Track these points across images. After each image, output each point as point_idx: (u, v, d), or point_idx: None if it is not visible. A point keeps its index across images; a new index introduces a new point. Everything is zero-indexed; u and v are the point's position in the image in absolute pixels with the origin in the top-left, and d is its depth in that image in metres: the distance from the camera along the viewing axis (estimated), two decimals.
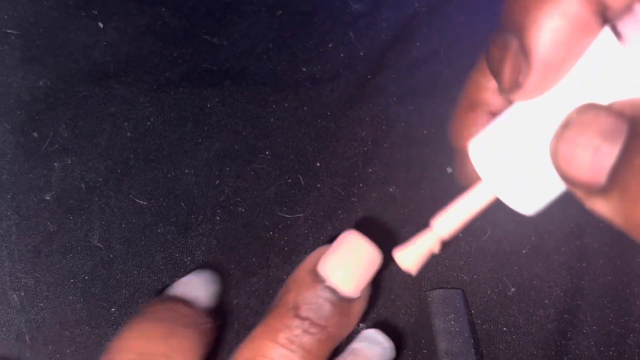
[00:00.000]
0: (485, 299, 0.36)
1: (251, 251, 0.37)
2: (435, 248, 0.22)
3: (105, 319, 0.35)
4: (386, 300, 0.36)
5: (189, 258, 0.37)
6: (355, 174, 0.40)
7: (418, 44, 0.45)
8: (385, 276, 0.36)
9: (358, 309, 0.27)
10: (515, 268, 0.37)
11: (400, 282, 0.37)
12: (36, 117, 0.40)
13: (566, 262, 0.37)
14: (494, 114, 0.19)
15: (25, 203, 0.37)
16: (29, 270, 0.36)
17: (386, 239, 0.38)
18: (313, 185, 0.39)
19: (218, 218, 0.38)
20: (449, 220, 0.20)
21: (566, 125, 0.15)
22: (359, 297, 0.27)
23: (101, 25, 0.43)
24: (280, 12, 0.45)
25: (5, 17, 0.43)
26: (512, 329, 0.36)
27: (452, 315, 0.34)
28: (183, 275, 0.36)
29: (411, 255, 0.22)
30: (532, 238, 0.38)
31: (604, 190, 0.14)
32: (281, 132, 0.41)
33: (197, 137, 0.40)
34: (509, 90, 0.17)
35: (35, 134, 0.39)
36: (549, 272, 0.37)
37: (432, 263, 0.37)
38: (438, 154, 0.40)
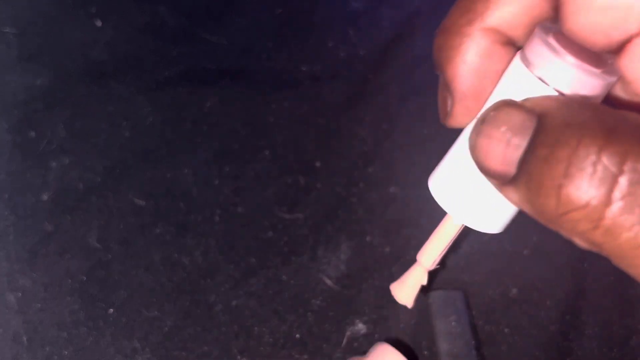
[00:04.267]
0: (487, 300, 0.36)
1: (250, 252, 0.37)
2: (424, 280, 0.24)
3: (103, 319, 0.34)
4: (387, 301, 0.36)
5: (188, 258, 0.36)
6: (355, 173, 0.39)
7: (418, 44, 0.44)
8: (386, 277, 0.36)
9: None
10: (517, 269, 0.37)
11: None
12: (33, 116, 0.39)
13: (568, 263, 0.37)
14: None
15: (22, 203, 0.37)
16: (26, 271, 0.35)
17: (386, 238, 0.37)
18: (313, 185, 0.39)
19: (217, 218, 0.38)
20: (432, 254, 0.23)
21: (483, 121, 0.17)
22: None
23: (99, 23, 0.43)
24: (280, 10, 0.45)
25: (3, 15, 0.43)
26: (514, 331, 0.36)
27: (454, 317, 0.34)
28: (182, 276, 0.36)
29: (406, 291, 0.24)
30: (534, 239, 0.38)
31: (513, 180, 0.15)
32: (281, 131, 0.40)
33: (195, 137, 0.40)
34: (444, 119, 0.19)
35: (33, 133, 0.39)
36: (551, 273, 0.37)
37: None
38: (439, 153, 0.40)
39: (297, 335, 0.34)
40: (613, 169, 0.13)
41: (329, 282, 0.36)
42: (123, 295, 0.35)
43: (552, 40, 0.16)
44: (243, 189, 0.38)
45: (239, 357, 0.34)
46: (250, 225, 0.37)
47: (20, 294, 0.35)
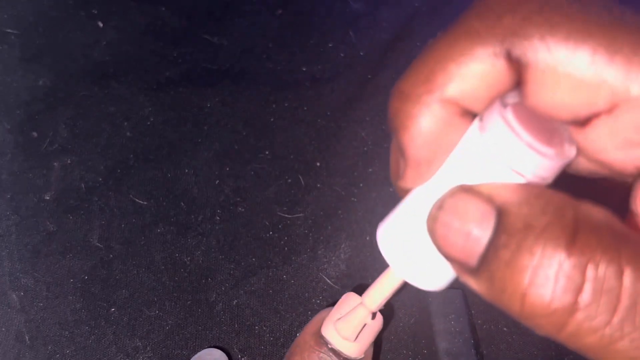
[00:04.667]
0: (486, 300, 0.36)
1: (251, 251, 0.37)
2: (368, 319, 0.25)
3: (105, 318, 0.35)
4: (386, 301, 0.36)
5: (189, 258, 0.36)
6: (355, 173, 0.39)
7: (418, 44, 0.45)
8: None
9: None
10: None
11: None
12: (35, 116, 0.40)
13: None
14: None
15: (24, 203, 0.37)
16: (29, 270, 0.35)
17: None
18: (313, 185, 0.39)
19: (218, 218, 0.38)
20: (376, 299, 0.24)
21: (439, 208, 0.17)
22: (362, 357, 0.27)
23: (101, 24, 0.43)
24: (280, 11, 0.45)
25: (5, 16, 0.43)
26: (512, 329, 0.36)
27: (453, 316, 0.34)
28: (183, 275, 0.36)
29: (349, 327, 0.26)
30: None
31: (475, 273, 0.15)
32: (281, 132, 0.41)
33: (196, 137, 0.40)
34: (395, 180, 0.19)
35: (35, 134, 0.39)
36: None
37: None
38: None
39: (298, 334, 0.34)
40: (576, 277, 0.13)
41: (329, 281, 0.36)
42: (124, 295, 0.35)
43: (510, 116, 0.16)
44: (243, 189, 0.39)
45: (239, 355, 0.34)
46: (250, 225, 0.38)
47: (22, 293, 0.35)
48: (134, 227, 0.37)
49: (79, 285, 0.35)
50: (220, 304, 0.35)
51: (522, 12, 0.15)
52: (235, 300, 0.35)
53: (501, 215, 0.15)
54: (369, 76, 0.43)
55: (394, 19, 0.45)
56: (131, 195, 0.38)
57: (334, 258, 0.37)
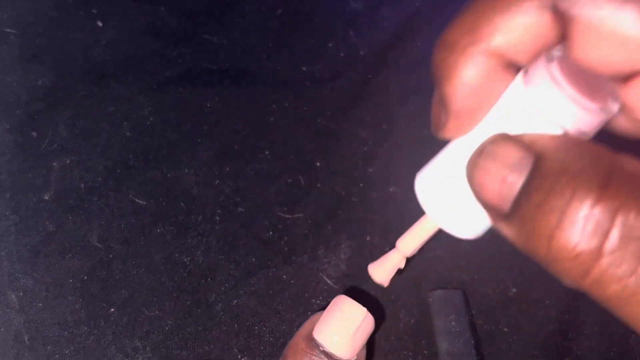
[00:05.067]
0: (486, 300, 0.36)
1: (251, 251, 0.37)
2: (402, 264, 0.25)
3: (104, 319, 0.35)
4: (386, 301, 0.36)
5: (189, 258, 0.36)
6: (355, 173, 0.39)
7: (418, 44, 0.44)
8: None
9: None
10: (516, 269, 0.37)
11: (400, 282, 0.36)
12: (35, 116, 0.40)
13: None
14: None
15: (24, 203, 0.37)
16: (28, 271, 0.35)
17: (386, 238, 0.38)
18: (313, 185, 0.39)
19: (218, 218, 0.38)
20: (411, 243, 0.23)
21: (479, 154, 0.17)
22: (355, 359, 0.27)
23: (100, 24, 0.43)
24: (280, 11, 0.45)
25: (5, 16, 0.43)
26: (513, 330, 0.36)
27: (453, 316, 0.34)
28: (183, 275, 0.36)
29: (383, 271, 0.25)
30: None
31: (507, 217, 0.16)
32: (281, 131, 0.40)
33: (196, 137, 0.40)
34: (436, 130, 0.19)
35: (34, 134, 0.39)
36: (550, 273, 0.37)
37: (433, 263, 0.37)
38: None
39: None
40: (605, 223, 0.13)
41: (329, 281, 0.36)
42: (124, 295, 0.35)
43: (555, 70, 0.16)
44: (243, 189, 0.39)
45: (239, 356, 0.34)
46: (250, 225, 0.38)
47: (21, 294, 0.35)
48: (134, 227, 0.37)
49: (79, 285, 0.35)
50: (220, 304, 0.35)
51: None
52: (235, 301, 0.35)
53: (537, 160, 0.15)
54: (369, 76, 0.43)
55: (394, 19, 0.45)
56: (131, 195, 0.38)
57: (334, 258, 0.37)
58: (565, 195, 0.14)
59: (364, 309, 0.27)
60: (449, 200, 0.19)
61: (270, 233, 0.37)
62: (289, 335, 0.35)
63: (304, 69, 0.43)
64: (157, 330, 0.34)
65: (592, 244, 0.13)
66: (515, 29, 0.16)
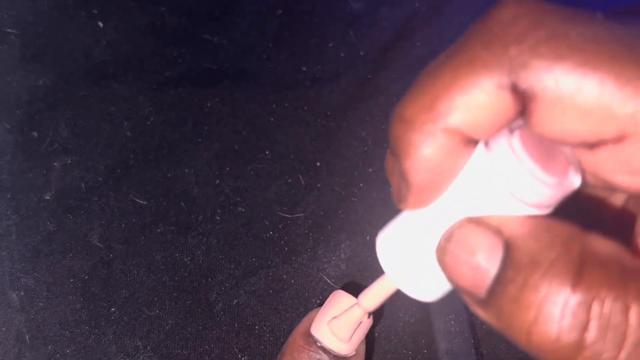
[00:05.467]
0: None
1: (251, 251, 0.37)
2: (364, 319, 0.26)
3: (105, 318, 0.35)
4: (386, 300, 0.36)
5: (189, 258, 0.37)
6: (355, 173, 0.39)
7: (418, 44, 0.45)
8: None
9: None
10: None
11: None
12: (36, 116, 0.40)
13: None
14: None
15: (24, 203, 0.37)
16: (29, 270, 0.36)
17: None
18: (313, 185, 0.39)
19: (218, 218, 0.38)
20: (372, 300, 0.24)
21: (448, 239, 0.17)
22: (354, 354, 0.27)
23: (101, 24, 0.43)
24: (280, 11, 0.45)
25: (5, 16, 0.43)
26: None
27: (452, 315, 0.34)
28: (183, 275, 0.36)
29: (343, 326, 0.26)
30: None
31: (483, 304, 0.16)
32: (281, 131, 0.41)
33: (196, 137, 0.40)
34: (397, 202, 0.19)
35: (35, 134, 0.39)
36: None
37: None
38: None
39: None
40: (582, 314, 0.13)
41: (329, 281, 0.36)
42: (125, 294, 0.35)
43: (516, 143, 0.16)
44: (244, 189, 0.39)
45: (239, 355, 0.34)
46: (250, 225, 0.38)
47: (22, 293, 0.35)
48: (134, 227, 0.37)
49: (79, 285, 0.35)
50: (220, 304, 0.35)
51: (528, 42, 0.14)
52: (235, 300, 0.35)
53: (508, 249, 0.15)
54: (369, 76, 0.43)
55: (394, 19, 0.45)
56: (131, 195, 0.38)
57: (334, 258, 0.37)
58: (540, 290, 0.14)
59: None
60: (409, 265, 0.19)
61: (270, 233, 0.38)
62: (289, 334, 0.35)
63: (304, 69, 0.43)
64: (158, 330, 0.34)
65: (571, 337, 0.13)
66: (474, 107, 0.15)
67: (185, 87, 0.41)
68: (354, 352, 0.27)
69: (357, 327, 0.27)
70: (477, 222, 0.16)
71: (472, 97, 0.15)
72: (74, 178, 0.38)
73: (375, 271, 0.37)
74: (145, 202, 0.38)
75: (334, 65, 0.43)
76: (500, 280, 0.15)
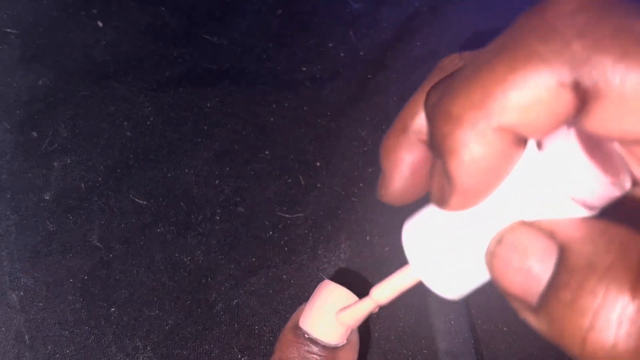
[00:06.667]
0: (486, 299, 0.36)
1: (251, 251, 0.37)
2: (375, 310, 0.25)
3: (105, 318, 0.35)
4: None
5: (189, 258, 0.36)
6: (355, 173, 0.39)
7: (418, 44, 0.45)
8: (386, 276, 0.36)
9: (348, 355, 0.27)
10: None
11: None
12: (35, 116, 0.40)
13: None
14: (424, 142, 0.20)
15: (24, 203, 0.37)
16: (28, 270, 0.35)
17: (386, 238, 0.38)
18: (313, 185, 0.39)
19: (218, 218, 0.38)
20: (386, 292, 0.23)
21: (499, 242, 0.16)
22: (346, 343, 0.27)
23: (101, 24, 0.43)
24: (280, 11, 0.45)
25: (5, 16, 0.43)
26: (512, 329, 0.36)
27: (452, 315, 0.34)
28: (183, 275, 0.36)
29: (351, 316, 0.25)
30: None
31: (535, 311, 0.15)
32: (281, 131, 0.41)
33: (196, 137, 0.40)
34: (437, 203, 0.18)
35: (35, 134, 0.39)
36: None
37: None
38: None
39: None
40: None
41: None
42: (124, 294, 0.35)
43: (573, 139, 0.15)
44: (243, 189, 0.39)
45: (239, 355, 0.34)
46: (250, 225, 0.38)
47: (22, 293, 0.35)
48: (134, 227, 0.37)
49: (79, 285, 0.35)
50: (220, 304, 0.35)
51: (592, 36, 0.13)
52: (235, 300, 0.35)
53: (563, 252, 0.14)
54: (369, 76, 0.43)
55: (394, 19, 0.45)
56: (131, 195, 0.38)
57: (334, 258, 0.37)
58: (597, 294, 0.13)
59: (347, 291, 0.26)
60: (439, 261, 0.18)
61: (270, 233, 0.37)
62: None
63: (304, 69, 0.43)
64: (158, 330, 0.34)
65: (629, 345, 0.13)
66: (531, 105, 0.14)
67: (185, 87, 0.41)
68: (345, 342, 0.27)
69: (359, 319, 0.26)
70: (529, 225, 0.15)
71: (529, 94, 0.14)
72: (73, 178, 0.38)
73: (375, 270, 0.37)
74: (145, 202, 0.38)
75: (334, 65, 0.43)
76: (553, 284, 0.14)
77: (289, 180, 0.39)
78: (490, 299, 0.36)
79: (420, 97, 0.19)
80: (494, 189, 0.16)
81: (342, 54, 0.44)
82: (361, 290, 0.26)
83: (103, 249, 0.36)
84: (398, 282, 0.23)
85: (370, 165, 0.40)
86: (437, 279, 0.19)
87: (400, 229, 0.39)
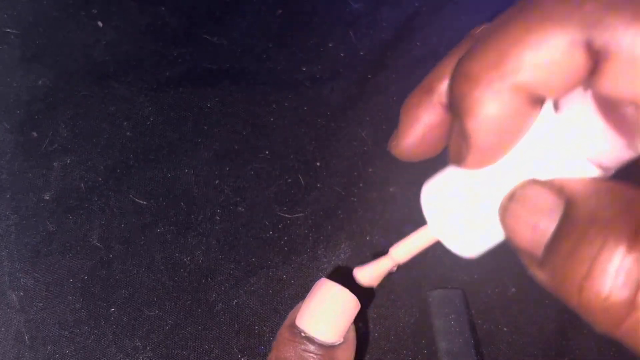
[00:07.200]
0: (486, 299, 0.36)
1: (251, 251, 0.37)
2: (393, 269, 0.25)
3: (105, 318, 0.35)
4: (386, 300, 0.36)
5: (189, 258, 0.36)
6: (355, 173, 0.39)
7: (418, 44, 0.45)
8: (386, 276, 0.36)
9: (345, 354, 0.27)
10: (516, 268, 0.37)
11: (400, 282, 0.36)
12: (35, 116, 0.40)
13: None
14: (444, 105, 0.20)
15: (24, 203, 0.37)
16: (28, 270, 0.35)
17: (386, 238, 0.38)
18: (313, 185, 0.39)
19: (218, 218, 0.38)
20: (404, 251, 0.23)
21: (510, 199, 0.17)
22: (343, 342, 0.27)
23: (101, 24, 0.43)
24: (280, 11, 0.45)
25: (5, 16, 0.43)
26: (512, 329, 0.36)
27: (453, 316, 0.34)
28: (183, 275, 0.36)
29: (369, 274, 0.25)
30: None
31: (540, 264, 0.16)
32: (281, 131, 0.41)
33: (196, 137, 0.40)
34: (455, 161, 0.18)
35: (35, 134, 0.39)
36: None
37: (433, 263, 0.37)
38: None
39: None
40: (636, 273, 0.13)
41: None
42: (124, 294, 0.35)
43: (590, 100, 0.15)
44: (243, 189, 0.39)
45: (239, 355, 0.34)
46: (250, 225, 0.38)
47: (22, 293, 0.35)
48: (134, 227, 0.37)
49: (79, 285, 0.35)
50: (220, 304, 0.35)
51: None
52: (235, 300, 0.35)
53: (568, 206, 0.15)
54: (369, 76, 0.43)
55: (394, 19, 0.45)
56: (131, 195, 0.38)
57: (334, 258, 0.37)
58: (595, 244, 0.13)
59: (344, 289, 0.26)
60: (456, 218, 0.19)
61: (270, 233, 0.37)
62: None
63: (304, 69, 0.43)
64: (158, 330, 0.34)
65: (623, 296, 0.13)
66: (546, 65, 0.15)
67: (185, 87, 0.41)
68: (342, 340, 0.27)
69: (337, 311, 0.26)
70: (540, 182, 0.16)
71: (543, 54, 0.15)
72: (73, 178, 0.38)
73: None
74: (145, 202, 0.38)
75: (333, 65, 0.43)
76: (557, 236, 0.15)
77: (289, 180, 0.39)
78: (490, 299, 0.36)
79: (448, 62, 0.19)
80: (510, 148, 0.17)
81: (342, 54, 0.44)
82: (361, 289, 0.26)
83: (103, 249, 0.36)
84: (416, 241, 0.23)
85: (370, 165, 0.40)
86: (454, 237, 0.20)
87: (400, 229, 0.39)
